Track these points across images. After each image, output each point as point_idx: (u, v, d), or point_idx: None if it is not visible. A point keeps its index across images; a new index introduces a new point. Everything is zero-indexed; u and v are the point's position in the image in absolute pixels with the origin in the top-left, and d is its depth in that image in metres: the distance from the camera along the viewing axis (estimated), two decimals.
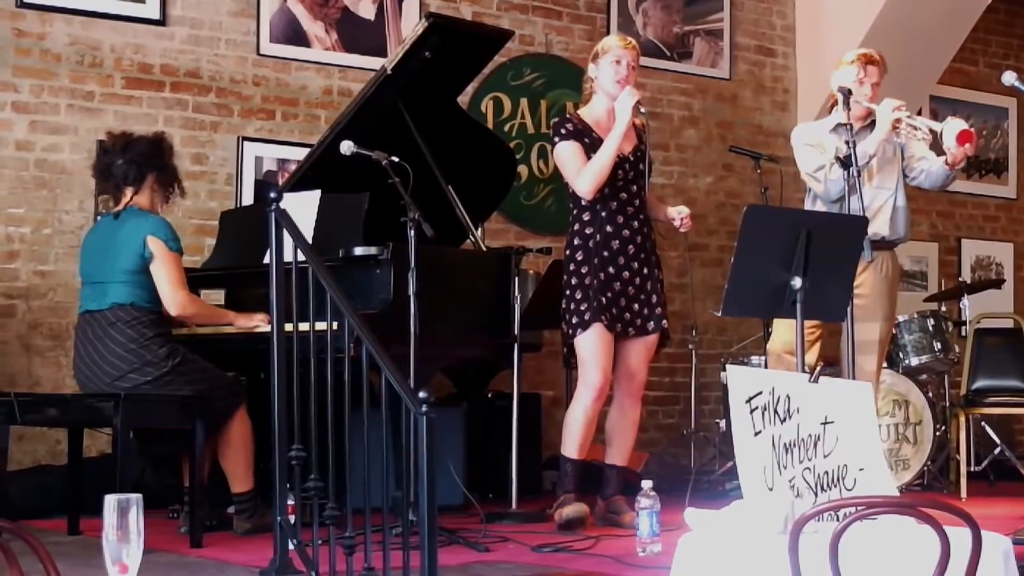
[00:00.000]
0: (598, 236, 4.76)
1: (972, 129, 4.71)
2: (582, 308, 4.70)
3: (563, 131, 4.81)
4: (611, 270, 4.74)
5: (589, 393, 4.70)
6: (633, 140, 4.85)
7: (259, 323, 4.53)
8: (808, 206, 5.03)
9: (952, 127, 4.68)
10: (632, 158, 4.82)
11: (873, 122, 4.88)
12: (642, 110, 4.78)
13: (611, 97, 4.80)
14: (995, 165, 8.95)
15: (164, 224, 4.49)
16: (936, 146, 4.91)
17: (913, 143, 4.95)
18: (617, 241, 4.76)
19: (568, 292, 4.77)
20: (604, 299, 4.70)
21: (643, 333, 4.81)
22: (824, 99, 4.98)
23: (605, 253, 4.74)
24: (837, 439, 2.97)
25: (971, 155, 4.91)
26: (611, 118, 4.79)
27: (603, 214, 4.77)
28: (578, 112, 4.94)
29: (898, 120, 4.76)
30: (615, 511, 4.78)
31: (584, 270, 4.74)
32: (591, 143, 4.77)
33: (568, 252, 4.82)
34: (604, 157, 4.70)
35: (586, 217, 4.79)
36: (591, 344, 4.69)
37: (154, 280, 4.41)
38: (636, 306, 4.78)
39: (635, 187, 4.83)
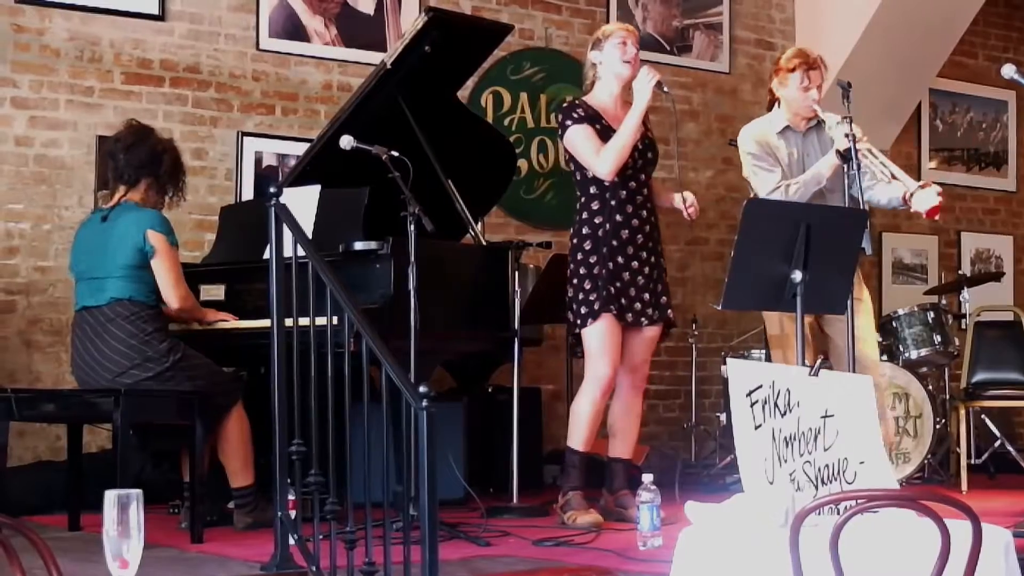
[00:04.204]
0: (607, 225, 4.70)
1: (941, 200, 4.51)
2: (591, 298, 4.65)
3: (575, 115, 4.72)
4: (620, 260, 4.69)
5: (598, 385, 4.67)
6: (640, 127, 4.74)
7: (224, 319, 4.68)
8: None
9: (926, 200, 4.50)
10: (640, 146, 4.78)
11: (819, 123, 4.79)
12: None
13: (620, 78, 4.75)
14: (995, 158, 8.94)
15: (162, 217, 4.49)
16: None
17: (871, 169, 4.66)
18: (626, 231, 4.71)
19: (576, 281, 4.71)
20: (613, 289, 4.65)
21: (650, 323, 4.77)
22: (825, 91, 4.89)
23: (614, 242, 4.69)
24: (837, 432, 2.97)
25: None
26: (618, 105, 4.76)
27: (612, 203, 4.71)
28: (583, 99, 4.84)
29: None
30: (622, 505, 4.75)
31: (592, 259, 4.69)
32: (602, 129, 4.71)
33: (576, 241, 4.76)
34: (625, 136, 4.63)
35: (595, 206, 4.73)
36: (600, 336, 4.65)
37: (155, 275, 4.41)
38: (646, 295, 4.74)
39: (643, 176, 4.79)
